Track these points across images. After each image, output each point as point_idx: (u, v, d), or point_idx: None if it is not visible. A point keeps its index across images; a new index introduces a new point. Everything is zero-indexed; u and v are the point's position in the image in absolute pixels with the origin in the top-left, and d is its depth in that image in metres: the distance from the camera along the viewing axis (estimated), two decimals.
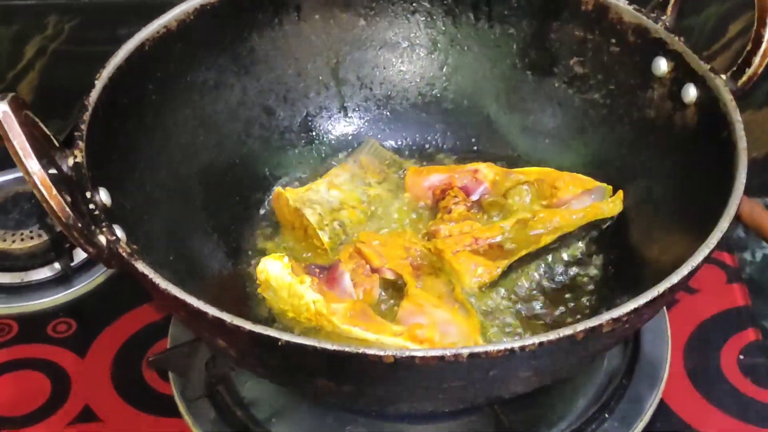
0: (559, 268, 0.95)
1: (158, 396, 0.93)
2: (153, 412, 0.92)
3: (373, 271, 0.91)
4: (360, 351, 0.69)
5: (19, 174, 1.10)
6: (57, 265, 1.05)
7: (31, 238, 1.05)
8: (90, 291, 1.04)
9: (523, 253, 0.94)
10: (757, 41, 0.85)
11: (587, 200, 0.96)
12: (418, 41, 1.04)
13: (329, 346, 0.69)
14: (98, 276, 1.05)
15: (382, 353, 0.68)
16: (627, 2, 0.94)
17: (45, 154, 0.75)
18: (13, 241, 1.05)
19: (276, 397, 0.91)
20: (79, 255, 1.05)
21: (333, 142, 1.05)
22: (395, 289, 0.91)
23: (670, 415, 0.91)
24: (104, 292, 1.04)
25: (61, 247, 1.04)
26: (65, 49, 1.18)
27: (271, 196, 1.00)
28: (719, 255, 1.06)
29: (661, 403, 0.91)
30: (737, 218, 1.00)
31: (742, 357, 0.96)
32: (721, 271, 1.05)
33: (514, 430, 0.83)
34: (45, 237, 1.05)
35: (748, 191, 0.89)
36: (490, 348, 0.69)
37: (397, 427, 0.89)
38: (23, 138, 0.72)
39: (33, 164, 0.72)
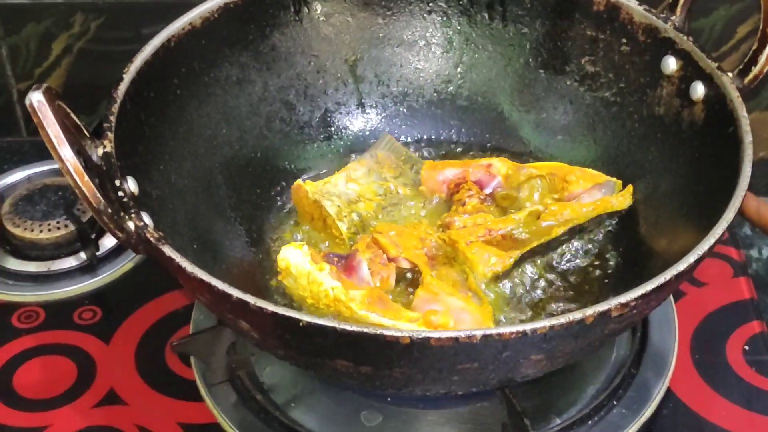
0: (570, 259, 0.96)
1: (181, 381, 0.94)
2: (175, 395, 0.93)
3: (390, 260, 0.91)
4: (378, 332, 0.70)
5: (47, 167, 1.15)
6: (83, 255, 1.06)
7: (58, 228, 1.06)
8: (114, 280, 1.05)
9: (535, 244, 0.94)
10: (763, 40, 0.86)
11: (597, 194, 0.97)
12: (434, 40, 1.05)
13: (349, 327, 0.71)
14: (123, 265, 1.06)
15: (399, 334, 0.70)
16: (637, 3, 0.95)
17: (76, 144, 0.77)
18: (41, 231, 1.06)
19: (294, 383, 0.92)
20: (105, 245, 1.07)
21: (351, 137, 1.06)
22: (411, 277, 0.92)
23: (676, 402, 0.92)
24: (128, 281, 1.05)
25: (86, 238, 1.05)
26: (91, 48, 1.19)
27: (291, 188, 1.00)
28: (726, 250, 1.07)
29: (668, 391, 0.92)
30: (741, 213, 1.01)
31: (747, 348, 0.97)
32: (728, 265, 1.05)
33: (526, 415, 0.83)
34: (71, 227, 1.06)
35: (756, 190, 0.90)
36: (503, 330, 0.70)
37: (412, 412, 0.90)
38: (57, 126, 0.74)
39: (66, 151, 0.74)
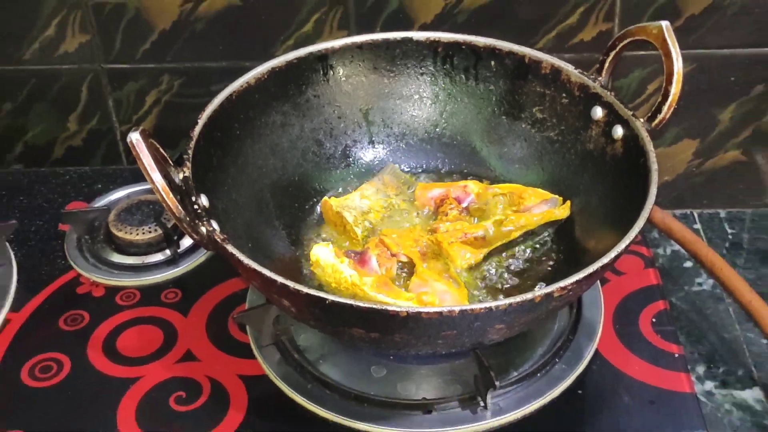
0: (524, 255, 0.96)
1: (239, 344, 0.94)
2: (235, 354, 0.93)
3: (392, 255, 0.92)
4: (383, 308, 0.71)
5: (141, 187, 1.15)
6: (168, 252, 1.06)
7: (150, 232, 1.06)
8: (191, 270, 1.05)
9: (499, 243, 0.95)
10: (665, 95, 0.86)
11: (544, 207, 0.96)
12: (425, 94, 1.05)
13: (362, 304, 0.72)
14: (197, 259, 1.06)
15: (398, 310, 0.71)
16: (574, 67, 0.96)
17: (163, 170, 0.78)
18: (137, 234, 1.06)
19: (322, 345, 0.92)
20: (184, 244, 1.07)
21: (364, 165, 1.06)
22: (408, 268, 0.92)
23: (602, 360, 0.92)
24: (201, 270, 1.05)
25: (171, 239, 1.06)
26: (174, 100, 1.20)
27: (320, 203, 1.01)
28: (639, 248, 1.06)
29: (596, 352, 0.92)
30: (650, 222, 1.02)
31: (654, 320, 0.97)
32: (640, 259, 1.05)
33: (492, 368, 0.84)
34: (159, 231, 1.06)
35: (661, 204, 0.89)
36: (475, 306, 0.71)
37: (408, 367, 0.90)
38: (150, 158, 0.75)
39: (156, 176, 0.75)
